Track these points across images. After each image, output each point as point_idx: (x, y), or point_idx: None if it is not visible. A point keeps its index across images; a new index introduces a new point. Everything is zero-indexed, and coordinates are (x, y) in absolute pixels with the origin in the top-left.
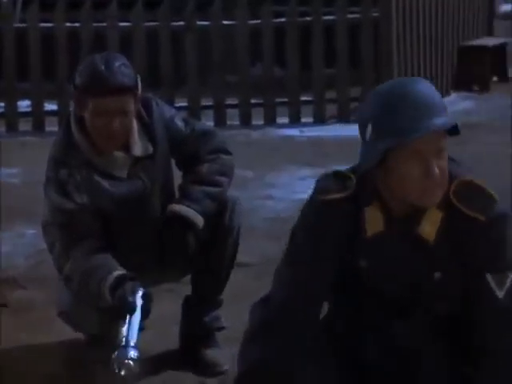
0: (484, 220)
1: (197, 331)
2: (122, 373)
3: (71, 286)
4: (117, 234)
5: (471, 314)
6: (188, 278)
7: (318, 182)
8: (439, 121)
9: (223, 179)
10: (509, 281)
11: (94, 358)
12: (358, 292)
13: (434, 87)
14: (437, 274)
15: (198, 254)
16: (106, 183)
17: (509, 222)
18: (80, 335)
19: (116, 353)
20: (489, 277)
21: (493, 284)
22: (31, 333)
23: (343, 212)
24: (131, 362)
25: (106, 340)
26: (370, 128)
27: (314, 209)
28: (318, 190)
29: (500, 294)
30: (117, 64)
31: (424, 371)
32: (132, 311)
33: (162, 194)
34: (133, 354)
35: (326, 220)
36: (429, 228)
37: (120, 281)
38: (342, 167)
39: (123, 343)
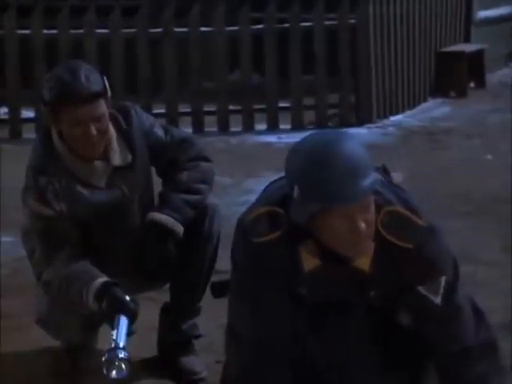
0: (412, 247)
1: (175, 339)
2: (113, 374)
3: (50, 293)
4: (96, 242)
5: (416, 326)
6: (167, 285)
7: (248, 221)
8: (365, 182)
9: (203, 187)
10: (442, 285)
11: (71, 366)
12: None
13: (357, 141)
14: (372, 293)
15: (177, 262)
16: (84, 192)
17: (435, 238)
18: (58, 343)
19: (105, 355)
20: (422, 289)
21: (428, 293)
22: (7, 341)
23: (278, 251)
24: (122, 363)
25: (84, 347)
26: (296, 189)
27: (249, 250)
28: (250, 232)
29: (436, 299)
30: (82, 72)
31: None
32: (127, 310)
33: (142, 202)
34: (123, 354)
35: (262, 261)
36: (364, 260)
37: (105, 287)
38: None
39: (112, 345)
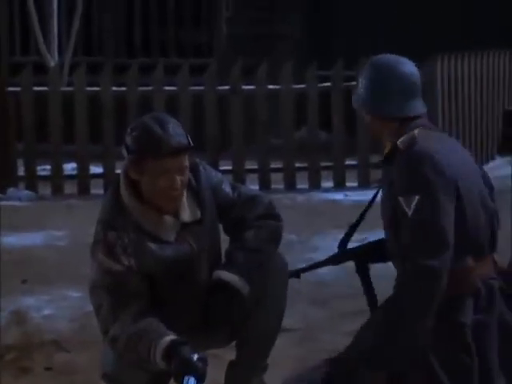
0: (402, 149)
1: None
2: None
3: (116, 348)
4: (163, 296)
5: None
6: (233, 343)
7: None
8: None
9: (270, 245)
10: (414, 203)
11: None
12: None
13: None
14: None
15: (244, 320)
16: (153, 246)
17: (422, 158)
18: None
19: None
20: (400, 199)
21: (403, 204)
22: None
23: None
24: None
25: None
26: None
27: None
28: None
29: (409, 212)
30: (170, 125)
31: None
32: (195, 371)
33: (210, 258)
34: None
35: None
36: (385, 151)
37: (173, 346)
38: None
39: None
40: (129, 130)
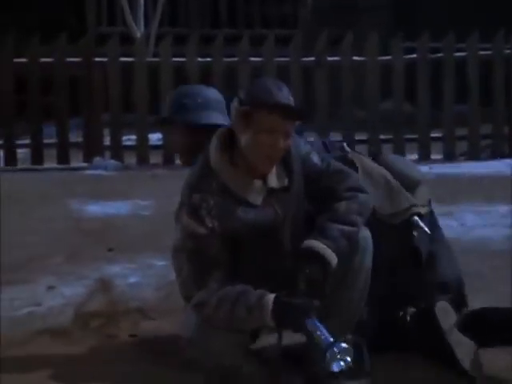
0: None
1: (319, 370)
2: (337, 367)
3: (203, 313)
4: (245, 261)
5: None
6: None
7: None
8: None
9: (359, 219)
10: None
11: None
12: None
13: None
14: None
15: (329, 293)
16: (238, 209)
17: None
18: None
19: (327, 354)
20: None
21: None
22: (159, 364)
23: None
24: (345, 354)
25: (234, 370)
26: None
27: None
28: None
29: None
30: (286, 91)
31: None
32: (313, 310)
33: (292, 227)
34: (342, 345)
35: None
36: None
37: (280, 301)
38: (472, 206)
39: (323, 346)
40: (242, 88)
